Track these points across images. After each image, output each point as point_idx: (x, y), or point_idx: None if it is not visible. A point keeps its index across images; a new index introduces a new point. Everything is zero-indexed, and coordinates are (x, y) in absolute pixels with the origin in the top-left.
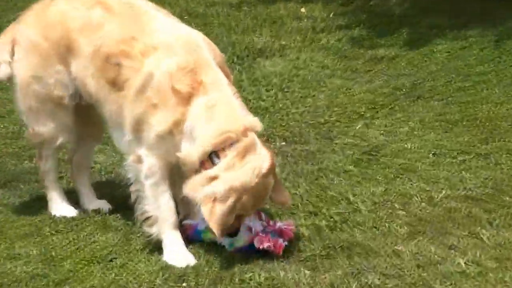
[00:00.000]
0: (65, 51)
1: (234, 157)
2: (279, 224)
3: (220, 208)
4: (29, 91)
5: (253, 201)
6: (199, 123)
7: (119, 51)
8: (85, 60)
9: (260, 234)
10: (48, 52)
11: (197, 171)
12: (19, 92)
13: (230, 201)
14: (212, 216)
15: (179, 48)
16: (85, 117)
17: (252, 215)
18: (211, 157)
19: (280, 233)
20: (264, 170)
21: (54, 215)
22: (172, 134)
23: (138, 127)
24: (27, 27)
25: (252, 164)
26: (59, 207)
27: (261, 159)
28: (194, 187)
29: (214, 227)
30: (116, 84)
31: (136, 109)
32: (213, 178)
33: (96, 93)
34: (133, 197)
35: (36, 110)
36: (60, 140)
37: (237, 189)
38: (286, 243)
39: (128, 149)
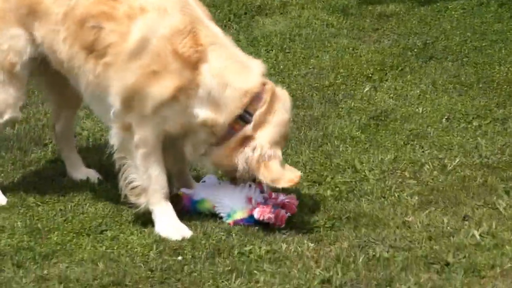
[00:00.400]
0: (27, 12)
1: (264, 113)
2: (281, 197)
3: (275, 164)
4: None
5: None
6: (216, 87)
7: (98, 13)
8: (54, 23)
9: (261, 205)
10: (4, 14)
11: (221, 137)
12: None
13: (279, 153)
14: (271, 174)
15: (170, 9)
16: (59, 84)
17: (253, 185)
18: (242, 118)
19: (282, 206)
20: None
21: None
22: (177, 101)
23: (131, 97)
24: None
25: (281, 112)
26: None
27: (285, 100)
28: (228, 154)
29: (282, 182)
30: (94, 50)
31: (128, 77)
32: (248, 139)
33: (68, 61)
34: (117, 164)
35: None
36: (7, 116)
37: (278, 140)
38: (288, 214)
39: (114, 119)
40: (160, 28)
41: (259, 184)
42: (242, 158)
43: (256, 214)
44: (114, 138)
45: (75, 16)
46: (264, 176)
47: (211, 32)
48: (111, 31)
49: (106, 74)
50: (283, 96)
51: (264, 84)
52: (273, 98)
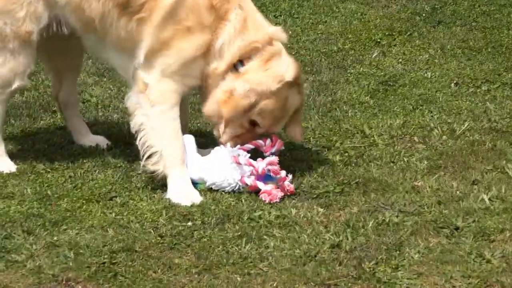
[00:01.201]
0: None
1: (257, 63)
2: (262, 165)
3: (236, 101)
4: None
5: (272, 114)
6: (229, 38)
7: None
8: None
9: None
10: None
11: (214, 86)
12: None
13: (247, 100)
14: (225, 105)
15: None
16: (60, 50)
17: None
18: (235, 66)
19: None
20: (287, 78)
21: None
22: (203, 56)
23: (160, 50)
24: None
25: (274, 70)
26: None
27: (285, 67)
28: (213, 103)
29: (225, 118)
30: (128, 7)
31: (162, 32)
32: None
33: (100, 19)
34: (133, 130)
35: None
36: (16, 84)
37: (256, 90)
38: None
39: (134, 75)
40: None
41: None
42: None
43: (266, 199)
44: (130, 100)
45: None
46: (218, 102)
47: None
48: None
49: (139, 28)
50: (285, 59)
51: (270, 43)
52: (273, 57)
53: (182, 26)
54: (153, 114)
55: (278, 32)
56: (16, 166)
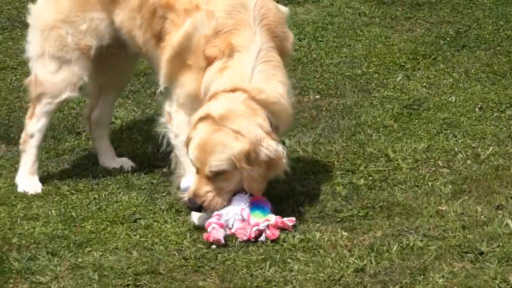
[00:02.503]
0: (110, 0)
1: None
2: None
3: None
4: (52, 35)
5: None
6: (205, 84)
7: (165, 3)
8: (132, 10)
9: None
10: None
11: None
12: (38, 35)
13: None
14: None
15: (220, 11)
16: (112, 69)
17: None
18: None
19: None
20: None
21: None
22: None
23: (171, 82)
24: None
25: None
26: (26, 179)
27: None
28: None
29: None
30: (160, 38)
31: (172, 65)
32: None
33: (144, 46)
34: (172, 165)
35: (50, 57)
36: (65, 95)
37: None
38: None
39: (163, 107)
40: (203, 28)
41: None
42: None
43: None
44: (160, 126)
45: (148, 5)
46: None
47: (247, 37)
48: (170, 21)
49: (161, 57)
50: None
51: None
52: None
53: (185, 62)
54: (178, 145)
55: (258, 88)
56: (42, 187)
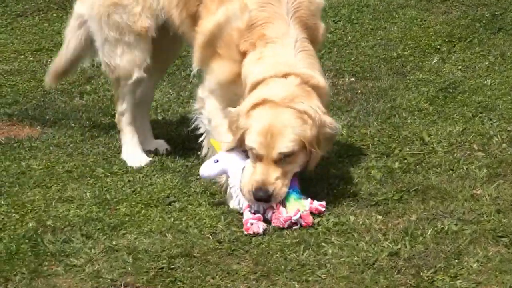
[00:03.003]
0: None
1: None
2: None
3: None
4: (108, 21)
5: None
6: (246, 73)
7: None
8: None
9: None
10: None
11: None
12: (95, 23)
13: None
14: None
15: (254, 4)
16: (155, 48)
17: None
18: None
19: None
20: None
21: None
22: (234, 83)
23: (204, 67)
24: None
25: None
26: (131, 153)
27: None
28: None
29: None
30: (195, 20)
31: (204, 51)
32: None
33: (180, 26)
34: (203, 150)
35: (114, 42)
36: (135, 75)
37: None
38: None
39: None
40: (235, 20)
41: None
42: None
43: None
44: (197, 118)
45: None
46: None
47: (281, 29)
48: (205, 5)
49: (195, 42)
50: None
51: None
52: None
53: (216, 50)
54: (210, 130)
55: (301, 71)
56: (148, 160)
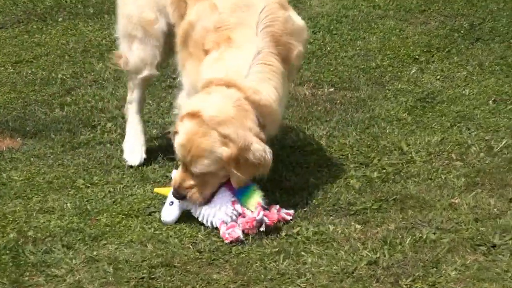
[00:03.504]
0: None
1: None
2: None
3: None
4: (124, 12)
5: None
6: (202, 70)
7: None
8: None
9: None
10: None
11: None
12: (118, 15)
13: None
14: None
15: (225, 8)
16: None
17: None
18: None
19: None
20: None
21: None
22: None
23: (181, 70)
24: None
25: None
26: (129, 147)
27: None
28: None
29: None
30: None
31: (181, 51)
32: None
33: (175, 27)
34: None
35: (129, 36)
36: (145, 72)
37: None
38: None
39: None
40: (206, 21)
41: (232, 202)
42: None
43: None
44: (173, 119)
45: None
46: None
47: (246, 35)
48: (187, 5)
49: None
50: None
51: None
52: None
53: (188, 50)
54: None
55: (252, 87)
56: (143, 158)
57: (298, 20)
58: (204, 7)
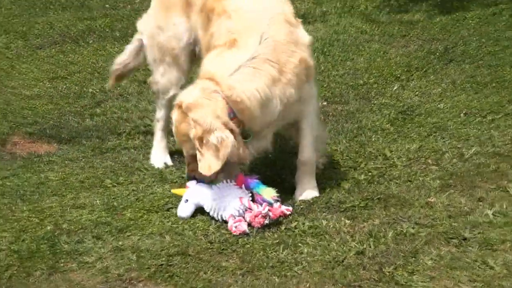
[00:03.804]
0: (186, 5)
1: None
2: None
3: None
4: (154, 42)
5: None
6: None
7: (211, 7)
8: (196, 13)
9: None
10: (170, 4)
11: None
12: (147, 41)
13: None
14: None
15: (237, 17)
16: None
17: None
18: None
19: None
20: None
21: (114, 168)
22: None
23: None
24: None
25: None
26: (154, 155)
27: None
28: None
29: None
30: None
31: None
32: None
33: (203, 45)
34: None
35: (158, 61)
36: (171, 93)
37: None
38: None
39: None
40: (221, 26)
41: (240, 198)
42: None
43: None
44: None
45: (205, 8)
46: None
47: (248, 44)
48: (209, 24)
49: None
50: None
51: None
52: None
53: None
54: None
55: (229, 84)
56: (169, 163)
57: (303, 35)
58: (221, 19)
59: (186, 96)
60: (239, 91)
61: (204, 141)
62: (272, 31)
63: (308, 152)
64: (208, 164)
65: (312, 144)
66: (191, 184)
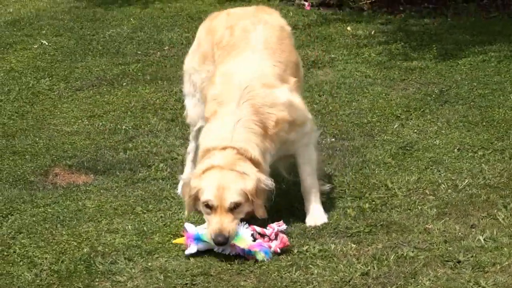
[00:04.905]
0: (212, 56)
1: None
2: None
3: None
4: (190, 79)
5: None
6: (200, 140)
7: (226, 45)
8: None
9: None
10: (207, 52)
11: None
12: (185, 79)
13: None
14: None
15: (219, 83)
16: None
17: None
18: None
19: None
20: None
21: (145, 197)
22: None
23: None
24: (201, 26)
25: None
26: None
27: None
28: None
29: None
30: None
31: None
32: None
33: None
34: None
35: (191, 96)
36: (199, 124)
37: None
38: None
39: None
40: (210, 93)
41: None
42: None
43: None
44: None
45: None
46: None
47: (228, 109)
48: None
49: None
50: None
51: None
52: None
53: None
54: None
55: (242, 147)
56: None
57: (280, 95)
58: (210, 82)
59: (215, 161)
60: (250, 150)
61: (259, 190)
62: (248, 96)
63: (307, 182)
64: (262, 209)
65: (310, 174)
66: (189, 226)
